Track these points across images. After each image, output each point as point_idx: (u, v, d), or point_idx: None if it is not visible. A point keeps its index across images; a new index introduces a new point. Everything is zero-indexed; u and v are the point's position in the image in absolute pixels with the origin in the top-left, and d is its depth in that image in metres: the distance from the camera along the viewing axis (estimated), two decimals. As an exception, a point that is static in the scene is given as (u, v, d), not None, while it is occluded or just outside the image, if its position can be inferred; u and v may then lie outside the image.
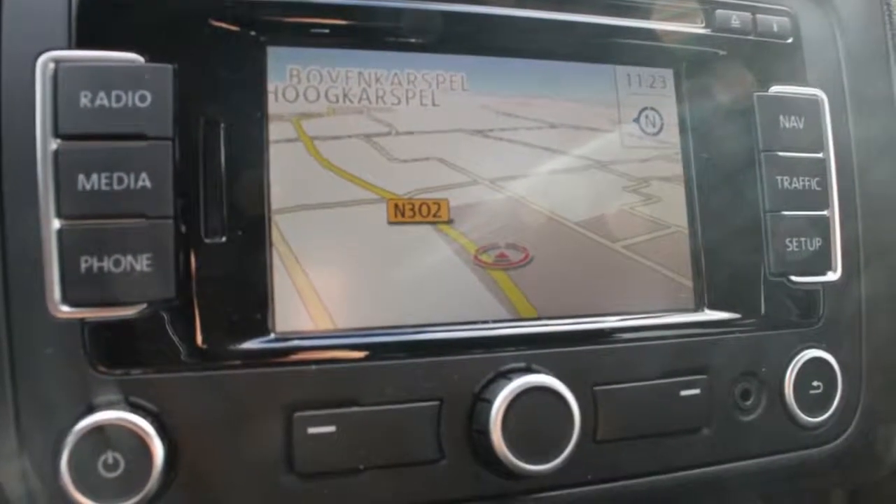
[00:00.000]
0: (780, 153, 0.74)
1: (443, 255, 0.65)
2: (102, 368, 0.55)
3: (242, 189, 0.60)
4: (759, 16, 0.75)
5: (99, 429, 0.53)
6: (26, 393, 0.54)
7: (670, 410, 0.68)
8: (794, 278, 0.74)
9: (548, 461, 0.61)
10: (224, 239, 0.59)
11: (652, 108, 0.73)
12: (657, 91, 0.74)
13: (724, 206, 0.73)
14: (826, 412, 0.74)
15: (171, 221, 0.56)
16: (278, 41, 0.63)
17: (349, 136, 0.64)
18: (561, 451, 0.62)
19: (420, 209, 0.65)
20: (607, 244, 0.70)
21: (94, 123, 0.55)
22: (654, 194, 0.72)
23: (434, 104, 0.66)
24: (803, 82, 0.76)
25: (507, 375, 0.63)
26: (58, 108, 0.55)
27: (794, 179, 0.74)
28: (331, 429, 0.59)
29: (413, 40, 0.66)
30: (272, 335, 0.60)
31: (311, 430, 0.58)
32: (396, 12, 0.65)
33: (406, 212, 0.65)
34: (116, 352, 0.55)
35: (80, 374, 0.55)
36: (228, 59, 0.60)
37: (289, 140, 0.62)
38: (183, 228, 0.57)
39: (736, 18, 0.74)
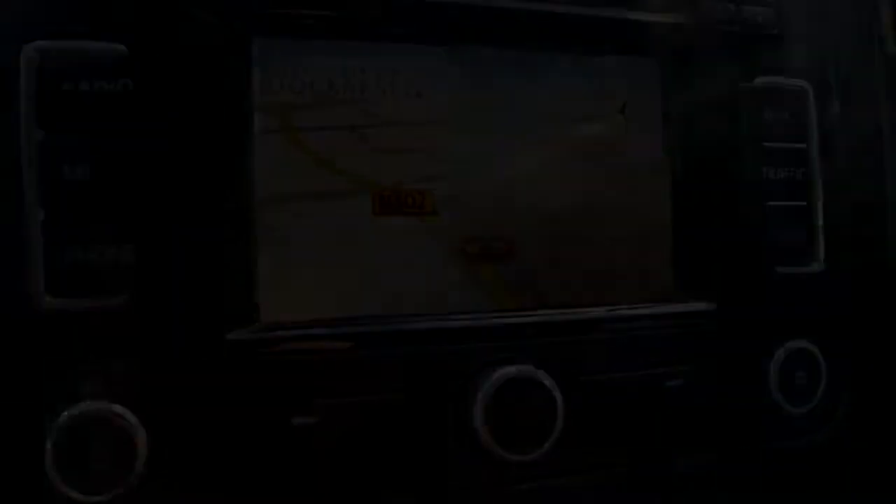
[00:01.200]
0: (765, 144, 0.74)
1: (427, 246, 0.65)
2: (87, 359, 0.55)
3: (227, 180, 0.60)
4: (743, 6, 0.75)
5: (83, 420, 0.53)
6: (9, 384, 0.54)
7: (654, 401, 0.68)
8: (778, 269, 0.74)
9: (531, 452, 0.62)
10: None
11: (636, 99, 0.73)
12: (641, 82, 0.73)
13: (707, 197, 0.73)
14: (810, 403, 0.74)
15: None
16: (263, 32, 0.62)
17: (334, 128, 0.64)
18: (544, 442, 0.62)
19: (405, 200, 0.65)
20: (591, 235, 0.70)
21: (78, 114, 0.55)
22: (638, 185, 0.72)
23: (419, 95, 0.66)
24: (788, 73, 0.76)
25: (490, 366, 0.63)
26: (41, 99, 0.55)
27: (779, 170, 0.74)
28: (315, 419, 0.59)
29: (399, 31, 0.66)
30: (257, 325, 0.60)
31: (296, 421, 0.59)
32: (382, 3, 0.65)
33: (391, 203, 0.65)
34: (101, 342, 0.55)
35: (63, 365, 0.55)
36: (213, 50, 0.60)
37: (273, 131, 0.62)
38: None
39: (720, 9, 0.74)
